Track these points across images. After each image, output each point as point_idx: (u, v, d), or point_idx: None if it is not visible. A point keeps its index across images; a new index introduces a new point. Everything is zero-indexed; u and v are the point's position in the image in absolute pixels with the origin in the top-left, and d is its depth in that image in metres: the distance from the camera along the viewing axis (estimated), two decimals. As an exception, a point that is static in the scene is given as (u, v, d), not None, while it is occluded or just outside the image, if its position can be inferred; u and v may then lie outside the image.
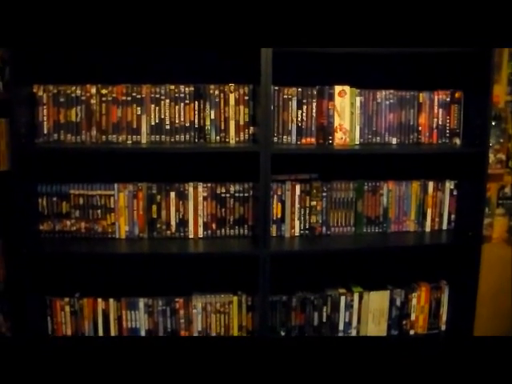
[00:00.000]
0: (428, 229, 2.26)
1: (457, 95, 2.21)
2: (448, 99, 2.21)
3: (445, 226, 2.28)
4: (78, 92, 2.05)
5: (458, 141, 2.23)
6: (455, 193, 2.26)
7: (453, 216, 2.28)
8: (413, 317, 2.26)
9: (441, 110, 2.20)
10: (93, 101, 2.06)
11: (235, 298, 2.16)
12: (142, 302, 2.13)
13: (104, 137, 2.07)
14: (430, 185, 2.23)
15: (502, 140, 2.43)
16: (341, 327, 2.20)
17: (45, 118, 2.06)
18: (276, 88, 2.05)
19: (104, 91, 2.05)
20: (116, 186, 2.09)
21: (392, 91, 2.16)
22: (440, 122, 2.21)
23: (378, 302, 2.21)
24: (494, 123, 2.38)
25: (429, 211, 2.25)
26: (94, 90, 2.05)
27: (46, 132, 2.07)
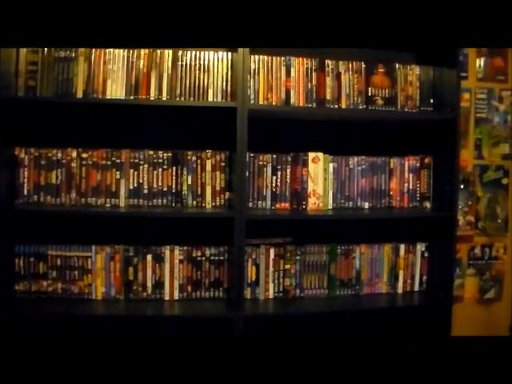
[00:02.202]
0: (400, 290, 2.31)
1: (426, 161, 2.31)
2: (418, 164, 2.30)
3: (417, 288, 2.33)
4: (59, 155, 2.11)
5: (428, 204, 2.31)
6: (426, 255, 2.33)
7: (424, 277, 2.34)
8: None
9: (411, 175, 2.29)
10: (73, 164, 2.11)
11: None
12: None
13: (83, 199, 2.11)
14: (402, 247, 2.30)
15: (470, 202, 2.52)
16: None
17: (25, 180, 2.10)
18: (252, 155, 2.12)
19: (84, 155, 2.11)
20: (94, 247, 2.12)
21: (364, 157, 2.24)
22: (410, 187, 2.30)
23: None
24: (462, 186, 2.48)
25: (401, 273, 2.30)
26: (74, 154, 2.11)
27: (26, 193, 2.10)
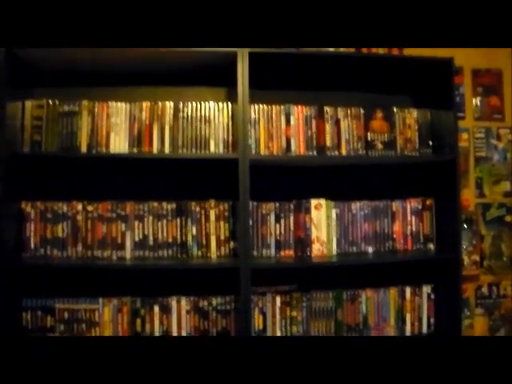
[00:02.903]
0: (408, 333, 2.29)
1: (428, 202, 2.32)
2: (420, 206, 2.31)
3: (425, 330, 2.31)
4: (65, 208, 2.13)
5: (432, 246, 2.31)
6: (433, 296, 2.32)
7: (432, 319, 2.32)
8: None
9: (414, 218, 2.31)
10: (79, 217, 2.13)
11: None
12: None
13: (89, 252, 2.13)
14: (408, 290, 2.29)
15: (474, 242, 2.52)
16: None
17: (32, 234, 2.12)
18: (255, 203, 2.14)
19: (90, 208, 2.14)
20: (101, 300, 2.13)
21: (366, 202, 2.26)
22: (414, 229, 2.30)
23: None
24: (465, 226, 2.49)
25: (408, 316, 2.29)
26: (80, 207, 2.14)
27: (32, 247, 2.12)
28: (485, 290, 2.55)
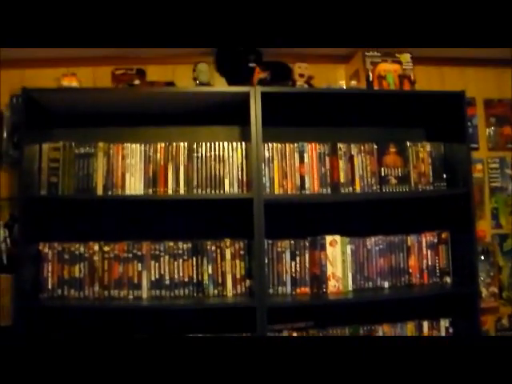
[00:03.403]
0: (427, 368, 2.26)
1: (443, 236, 2.31)
2: (435, 240, 2.31)
3: (444, 365, 2.28)
4: (82, 249, 2.16)
5: (448, 279, 2.30)
6: (451, 330, 2.29)
7: (451, 353, 2.29)
8: None
9: (429, 251, 2.30)
10: (96, 257, 2.16)
11: None
12: None
13: (106, 292, 2.14)
14: (425, 324, 2.28)
15: (492, 273, 2.50)
16: None
17: (49, 274, 2.15)
18: (270, 242, 2.15)
19: (106, 248, 2.16)
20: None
21: (381, 237, 2.26)
22: (429, 263, 2.29)
23: None
24: (483, 257, 2.47)
25: (426, 351, 2.26)
26: (96, 247, 2.16)
27: (50, 287, 2.15)
28: (505, 321, 2.51)
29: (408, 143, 2.30)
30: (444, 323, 2.29)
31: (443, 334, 2.29)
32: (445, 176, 2.31)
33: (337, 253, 2.20)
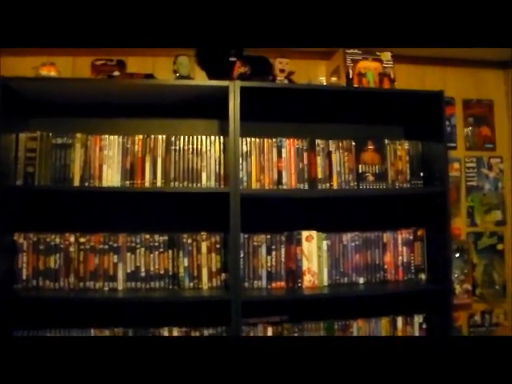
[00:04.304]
0: (400, 364, 2.29)
1: (419, 233, 2.34)
2: (411, 237, 2.33)
3: (416, 360, 2.31)
4: (57, 240, 2.14)
5: (423, 276, 2.33)
6: (424, 326, 2.32)
7: (423, 349, 2.32)
8: None
9: (405, 248, 2.32)
10: (71, 249, 2.14)
11: None
12: None
13: (81, 283, 2.14)
14: (399, 320, 2.30)
15: (466, 270, 2.53)
16: None
17: (24, 265, 2.13)
18: (246, 236, 2.16)
19: (82, 239, 2.15)
20: (93, 331, 2.13)
21: (357, 233, 2.28)
22: (405, 260, 2.32)
23: None
24: (457, 255, 2.50)
25: (399, 346, 2.29)
26: (72, 239, 2.15)
27: (24, 278, 2.13)
28: (477, 318, 2.55)
29: (386, 141, 2.31)
30: (418, 319, 2.32)
31: (417, 329, 2.32)
32: (422, 174, 2.33)
33: (313, 248, 2.21)
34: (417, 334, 2.32)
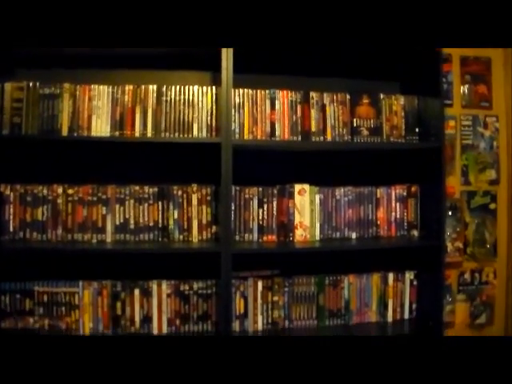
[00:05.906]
0: (390, 319, 2.30)
1: (413, 189, 2.32)
2: (405, 193, 2.31)
3: (406, 316, 2.33)
4: (45, 192, 2.11)
5: (415, 233, 2.32)
6: (415, 283, 2.32)
7: (414, 305, 2.33)
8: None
9: (398, 204, 2.30)
10: (59, 200, 2.11)
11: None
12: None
13: (69, 235, 2.11)
14: (390, 276, 2.30)
15: (458, 229, 2.52)
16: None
17: (11, 217, 2.10)
18: (237, 188, 2.12)
19: (70, 191, 2.11)
20: (81, 283, 2.11)
21: (350, 188, 2.25)
22: (398, 216, 2.30)
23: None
24: (450, 213, 2.49)
25: (390, 302, 2.30)
26: (60, 190, 2.11)
27: (11, 230, 2.10)
28: (467, 276, 2.56)
29: (382, 95, 2.27)
30: (409, 275, 2.32)
31: (407, 286, 2.32)
32: (417, 130, 2.30)
33: (305, 202, 2.19)
34: (407, 290, 2.32)
